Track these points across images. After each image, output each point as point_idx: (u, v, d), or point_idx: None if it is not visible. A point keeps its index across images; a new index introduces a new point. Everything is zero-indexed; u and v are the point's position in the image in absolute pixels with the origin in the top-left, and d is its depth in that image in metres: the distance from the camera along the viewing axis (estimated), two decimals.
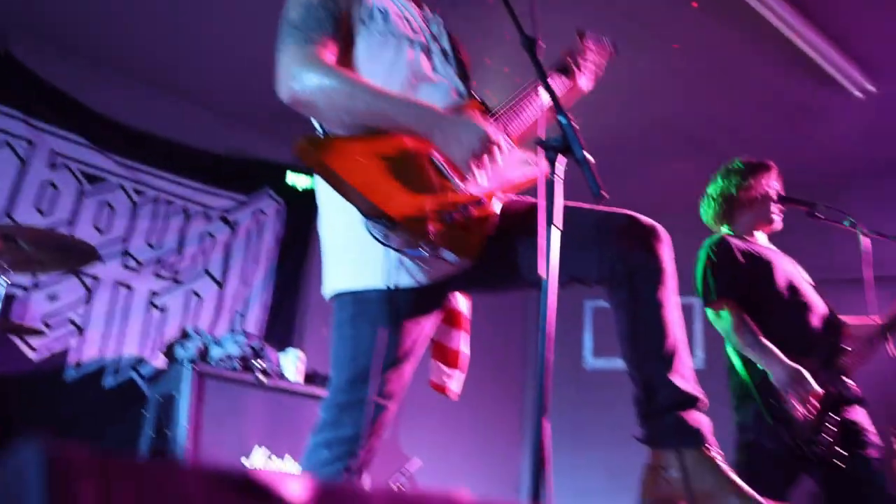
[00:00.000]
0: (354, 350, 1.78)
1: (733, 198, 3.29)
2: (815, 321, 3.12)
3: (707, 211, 3.40)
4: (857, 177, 5.12)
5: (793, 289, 3.15)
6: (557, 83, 2.00)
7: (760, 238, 3.36)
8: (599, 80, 2.17)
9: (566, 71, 2.00)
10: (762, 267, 3.17)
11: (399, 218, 1.62)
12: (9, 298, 4.04)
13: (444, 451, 5.46)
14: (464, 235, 1.71)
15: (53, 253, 3.07)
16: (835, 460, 2.86)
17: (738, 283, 3.10)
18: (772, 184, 3.30)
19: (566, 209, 1.77)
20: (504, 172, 1.82)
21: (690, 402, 1.76)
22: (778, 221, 3.33)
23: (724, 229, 3.34)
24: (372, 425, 1.76)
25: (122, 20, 4.42)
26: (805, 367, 2.89)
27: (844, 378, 3.01)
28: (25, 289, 4.29)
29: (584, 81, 2.05)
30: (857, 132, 5.03)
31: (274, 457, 3.66)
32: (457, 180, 1.74)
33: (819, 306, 3.17)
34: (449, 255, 1.70)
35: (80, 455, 0.43)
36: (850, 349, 3.05)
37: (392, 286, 1.72)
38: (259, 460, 3.62)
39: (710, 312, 3.17)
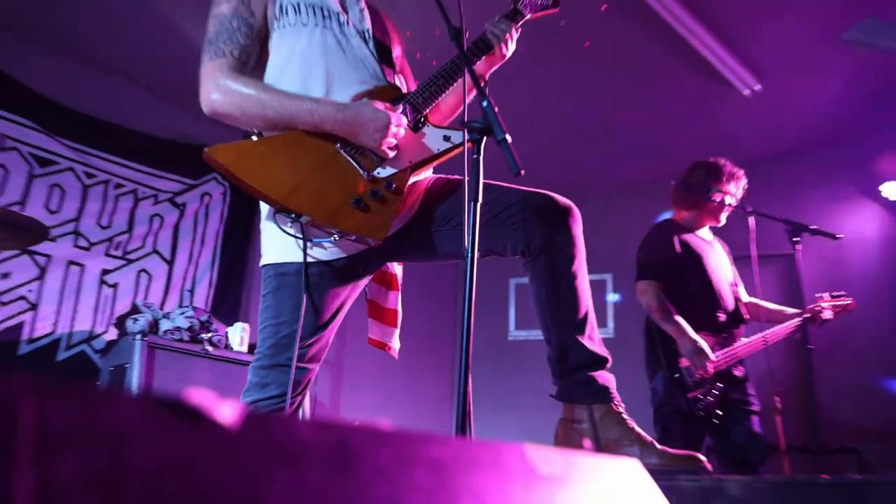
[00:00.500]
0: (276, 318, 1.79)
1: (698, 195, 3.44)
2: (721, 314, 3.38)
3: (676, 193, 3.56)
4: (744, 165, 5.38)
5: (708, 283, 3.38)
6: (480, 62, 1.95)
7: (703, 231, 3.56)
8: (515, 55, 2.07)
9: (489, 45, 1.92)
10: (692, 259, 3.40)
11: (303, 210, 1.65)
12: None
13: (381, 413, 5.47)
14: (374, 218, 1.71)
15: (5, 231, 2.95)
16: (713, 419, 3.20)
17: (665, 269, 3.34)
18: (734, 191, 3.48)
19: (488, 187, 1.79)
20: (419, 150, 1.82)
21: (599, 362, 1.82)
22: (723, 221, 3.54)
23: (672, 213, 3.57)
24: (295, 385, 1.78)
25: (72, 3, 4.26)
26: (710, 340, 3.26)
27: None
28: None
29: (507, 49, 1.99)
30: (745, 125, 5.21)
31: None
32: (362, 167, 1.74)
33: (728, 301, 3.42)
34: (357, 238, 1.72)
35: (19, 377, 0.42)
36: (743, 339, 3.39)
37: (308, 260, 1.74)
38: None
39: (638, 286, 3.39)
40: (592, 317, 1.85)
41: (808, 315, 3.38)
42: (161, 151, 5.05)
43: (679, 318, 3.21)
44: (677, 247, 3.37)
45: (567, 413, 1.86)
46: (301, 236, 1.70)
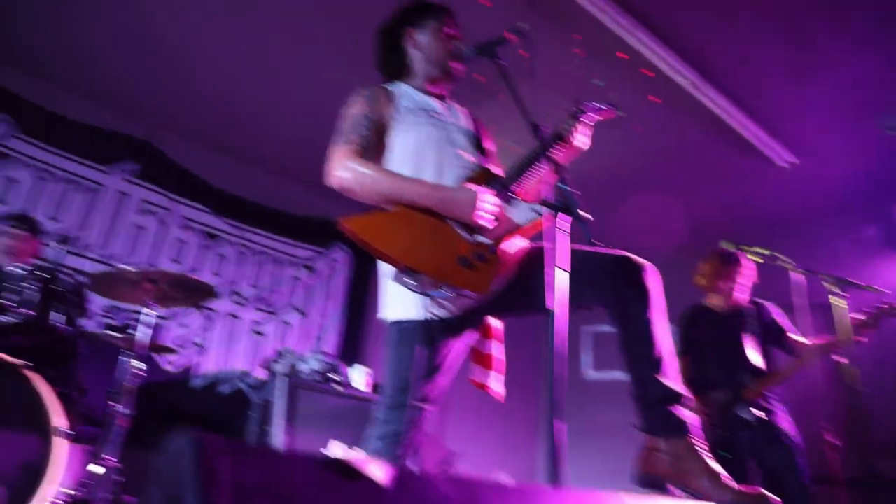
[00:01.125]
0: (398, 366, 1.78)
1: (713, 279, 3.48)
2: (741, 373, 3.28)
3: (700, 273, 3.56)
4: (781, 226, 5.13)
5: (724, 347, 3.35)
6: (557, 151, 1.94)
7: (721, 301, 3.49)
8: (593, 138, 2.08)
9: (562, 137, 1.93)
10: (713, 329, 3.42)
11: (421, 269, 1.66)
12: (154, 327, 4.11)
13: (476, 444, 5.37)
14: (478, 276, 1.70)
15: (184, 291, 3.10)
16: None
17: (689, 344, 3.43)
18: (743, 272, 3.45)
19: (578, 251, 1.77)
20: (511, 221, 1.81)
21: (676, 397, 1.71)
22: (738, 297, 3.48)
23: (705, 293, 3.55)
24: (412, 423, 1.76)
25: (236, 116, 4.55)
26: (718, 398, 3.25)
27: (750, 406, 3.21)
28: (164, 319, 4.36)
29: (581, 142, 2.01)
30: (781, 193, 4.97)
31: (346, 449, 3.63)
32: (466, 234, 1.75)
33: (748, 359, 3.29)
34: (467, 293, 1.70)
35: (219, 442, 0.43)
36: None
37: (424, 318, 1.73)
38: (336, 452, 3.59)
39: None
40: (670, 357, 1.76)
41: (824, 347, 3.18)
42: (298, 226, 5.23)
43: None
44: (697, 324, 3.46)
45: (649, 442, 1.76)
46: (419, 291, 1.69)
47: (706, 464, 1.63)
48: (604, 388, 5.69)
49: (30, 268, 2.59)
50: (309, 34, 3.66)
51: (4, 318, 2.43)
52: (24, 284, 2.51)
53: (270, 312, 4.92)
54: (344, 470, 0.46)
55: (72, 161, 4.29)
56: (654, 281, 1.78)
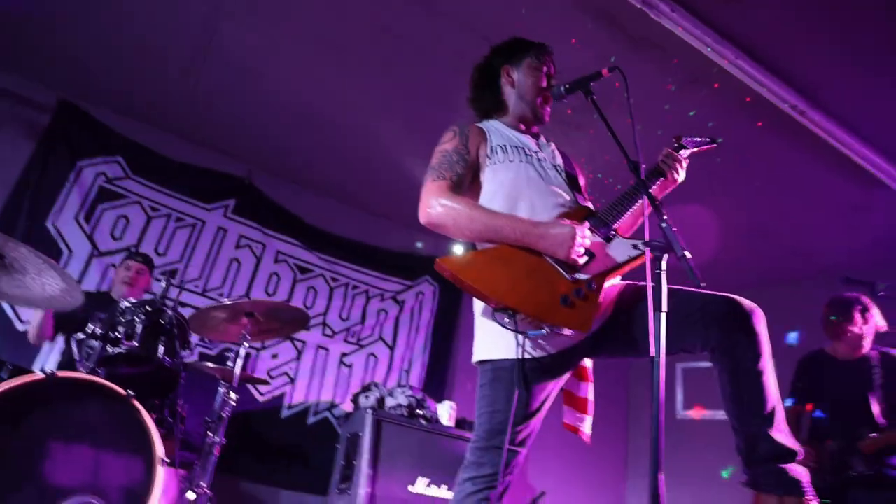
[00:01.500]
0: (492, 407, 1.72)
1: (837, 324, 3.33)
2: (860, 425, 3.11)
3: (824, 317, 3.43)
4: None
5: (844, 397, 3.21)
6: (655, 186, 1.92)
7: (843, 348, 3.33)
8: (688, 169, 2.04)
9: (662, 172, 1.91)
10: (834, 377, 3.27)
11: (521, 308, 1.60)
12: (246, 357, 4.27)
13: (563, 483, 5.18)
14: (578, 314, 1.63)
15: (280, 322, 3.20)
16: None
17: (803, 390, 3.32)
18: (869, 318, 3.29)
19: (680, 292, 1.69)
20: (611, 258, 1.75)
21: (791, 455, 1.59)
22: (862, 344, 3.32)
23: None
24: (506, 466, 1.69)
25: (327, 157, 4.72)
26: (832, 449, 3.09)
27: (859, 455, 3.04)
28: (257, 349, 4.52)
29: (679, 176, 1.95)
30: None
31: (432, 485, 3.59)
32: (565, 272, 1.68)
33: (868, 411, 3.13)
34: (566, 331, 1.64)
35: None
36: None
37: (521, 357, 1.67)
38: (421, 487, 3.55)
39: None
40: (781, 411, 1.63)
41: None
42: (386, 260, 5.31)
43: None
44: (814, 370, 3.35)
45: (758, 500, 1.63)
46: (517, 330, 1.64)
47: None
48: (694, 428, 5.38)
49: (141, 301, 2.76)
50: (399, 77, 3.76)
51: (116, 349, 2.58)
52: (135, 318, 2.67)
53: (358, 345, 4.99)
54: None
55: (177, 199, 4.58)
56: (763, 327, 1.67)
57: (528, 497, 4.02)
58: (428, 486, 3.57)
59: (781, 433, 1.60)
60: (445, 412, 3.95)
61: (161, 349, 2.68)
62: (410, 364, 5.16)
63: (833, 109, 3.57)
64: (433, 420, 3.84)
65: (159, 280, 3.05)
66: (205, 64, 3.90)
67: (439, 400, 4.22)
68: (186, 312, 3.32)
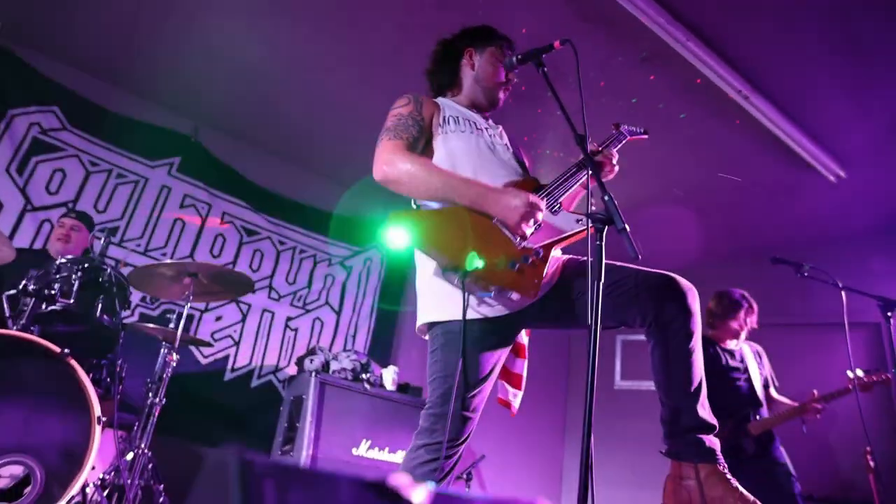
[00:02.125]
0: (444, 371, 1.74)
1: (720, 321, 3.60)
2: (737, 400, 3.44)
3: (710, 310, 3.67)
4: (827, 242, 4.98)
5: (734, 381, 3.47)
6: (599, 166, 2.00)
7: (727, 338, 3.62)
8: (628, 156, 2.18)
9: (600, 160, 2.00)
10: (724, 362, 3.52)
11: (470, 268, 1.63)
12: (189, 318, 4.20)
13: (502, 448, 5.34)
14: (524, 278, 1.68)
15: (224, 285, 3.15)
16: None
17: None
18: (747, 319, 3.58)
19: (619, 268, 1.75)
20: (556, 229, 1.80)
21: (710, 428, 1.70)
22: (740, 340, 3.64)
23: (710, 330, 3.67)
24: (461, 433, 1.73)
25: (277, 114, 4.61)
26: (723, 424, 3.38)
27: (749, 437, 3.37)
28: (200, 311, 4.44)
29: (616, 162, 2.05)
30: (830, 208, 4.83)
31: (375, 447, 3.65)
32: (515, 237, 1.72)
33: (755, 396, 3.46)
34: (513, 295, 1.68)
35: (264, 461, 0.43)
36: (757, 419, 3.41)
37: (470, 317, 1.70)
38: (363, 450, 3.61)
39: None
40: (704, 386, 1.73)
41: (800, 409, 3.38)
42: (335, 225, 5.27)
43: None
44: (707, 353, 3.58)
45: (675, 470, 1.73)
46: (467, 290, 1.67)
47: (736, 488, 1.62)
48: (632, 397, 5.62)
49: (78, 258, 2.67)
50: (350, 37, 3.69)
51: (50, 307, 2.50)
52: (72, 275, 2.58)
53: (304, 309, 4.97)
54: (387, 494, 0.46)
55: (118, 154, 4.40)
56: (697, 305, 1.76)
57: (468, 461, 4.13)
58: (370, 448, 3.63)
59: (704, 408, 1.70)
60: (389, 377, 3.99)
61: (99, 307, 2.61)
62: (356, 329, 5.17)
63: (774, 95, 3.71)
64: (377, 384, 3.88)
65: (99, 238, 2.95)
66: (145, 10, 3.72)
67: (384, 365, 4.26)
68: (126, 271, 3.24)
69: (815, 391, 3.45)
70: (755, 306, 3.60)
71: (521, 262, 1.68)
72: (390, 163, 1.75)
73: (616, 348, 6.19)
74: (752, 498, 1.61)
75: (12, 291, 2.55)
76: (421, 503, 0.48)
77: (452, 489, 1.65)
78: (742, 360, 3.60)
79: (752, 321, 3.59)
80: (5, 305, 2.60)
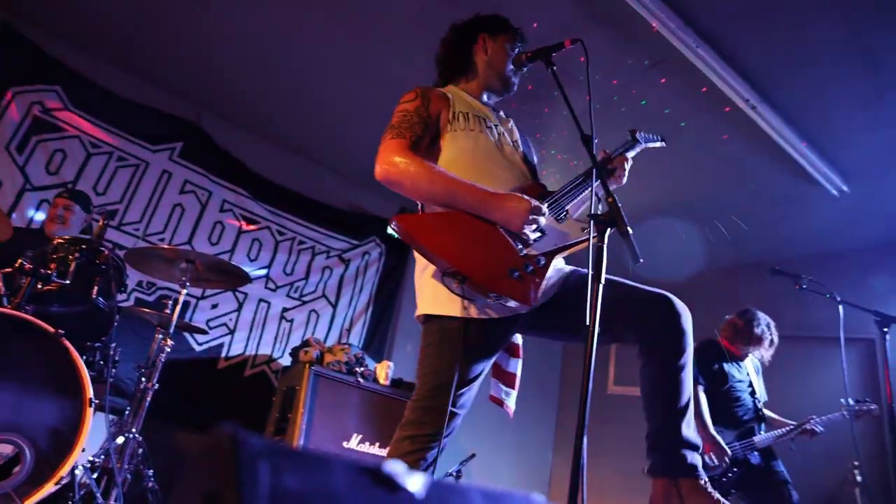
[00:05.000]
0: (437, 367, 1.74)
1: (740, 341, 3.62)
2: (744, 413, 3.53)
3: (727, 327, 3.73)
4: (832, 256, 4.97)
5: (730, 391, 3.53)
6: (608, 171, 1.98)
7: (735, 350, 3.68)
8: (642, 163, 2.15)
9: (610, 171, 1.98)
10: (730, 371, 3.59)
11: (469, 273, 1.62)
12: (185, 304, 4.19)
13: (493, 448, 5.34)
14: (523, 286, 1.66)
15: (220, 275, 3.14)
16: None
17: (706, 377, 3.54)
18: (763, 351, 3.64)
19: (617, 284, 1.74)
20: (562, 237, 1.79)
21: (693, 448, 1.70)
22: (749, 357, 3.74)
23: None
24: (446, 427, 1.73)
25: (283, 105, 4.60)
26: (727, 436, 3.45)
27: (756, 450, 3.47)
28: (197, 298, 4.44)
29: (623, 179, 2.02)
30: (831, 222, 4.83)
31: (366, 442, 3.65)
32: (517, 244, 1.71)
33: (748, 405, 3.56)
34: (511, 302, 1.67)
35: (259, 441, 0.43)
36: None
37: (468, 317, 1.70)
38: (354, 444, 3.60)
39: None
40: (692, 405, 1.73)
41: (797, 429, 3.46)
42: (335, 218, 5.27)
43: (706, 418, 3.39)
44: (715, 363, 3.57)
45: (656, 489, 1.72)
46: (464, 295, 1.67)
47: (718, 500, 1.63)
48: (624, 403, 5.62)
49: (77, 239, 2.66)
50: (359, 27, 3.68)
51: (46, 287, 2.49)
52: (69, 255, 2.57)
53: (301, 301, 4.96)
54: (381, 479, 0.45)
55: (120, 137, 4.39)
56: (690, 327, 1.75)
57: (459, 458, 4.13)
58: (361, 442, 3.62)
59: (689, 427, 1.70)
60: (383, 372, 3.99)
61: (95, 289, 2.60)
62: (352, 323, 5.17)
63: (781, 106, 3.70)
64: (371, 379, 3.88)
65: (97, 220, 2.94)
66: None
67: (379, 360, 4.26)
68: (123, 253, 3.23)
69: (814, 417, 3.50)
70: (776, 342, 3.62)
71: (522, 270, 1.67)
72: (392, 163, 1.73)
73: (610, 353, 6.20)
74: None
75: (8, 270, 2.54)
76: (417, 491, 0.48)
77: (447, 480, 1.65)
78: (747, 374, 3.65)
79: (767, 353, 3.63)
80: (0, 283, 2.59)
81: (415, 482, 0.47)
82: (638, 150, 2.09)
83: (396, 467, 0.48)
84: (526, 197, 1.73)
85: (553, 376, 6.49)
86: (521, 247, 1.71)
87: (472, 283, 1.63)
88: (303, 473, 0.44)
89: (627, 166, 2.01)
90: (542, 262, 1.72)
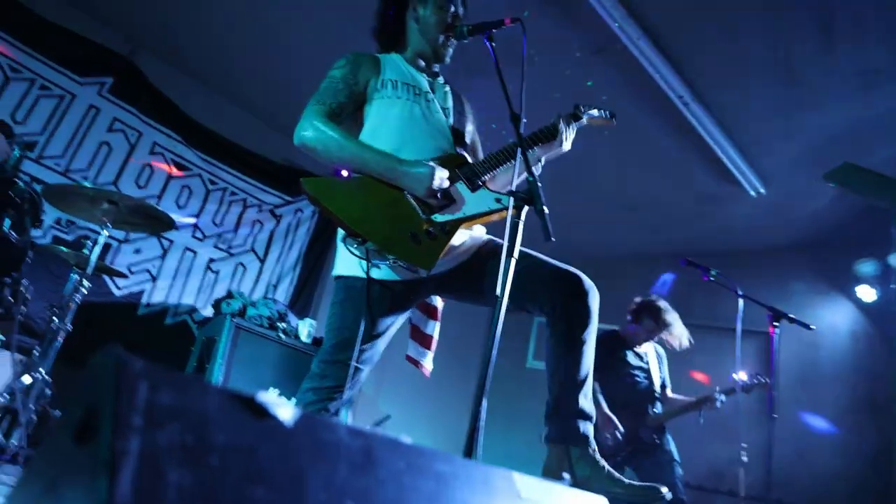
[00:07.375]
0: (341, 323, 1.82)
1: (640, 323, 3.84)
2: (639, 397, 3.75)
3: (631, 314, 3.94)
4: (741, 254, 5.29)
5: (626, 377, 3.76)
6: (539, 145, 1.97)
7: (637, 340, 3.90)
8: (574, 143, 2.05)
9: (554, 134, 1.95)
10: (629, 359, 3.81)
11: (368, 237, 1.69)
12: (106, 246, 4.07)
13: (409, 410, 5.47)
14: (424, 252, 1.73)
15: (144, 219, 3.07)
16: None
17: (604, 366, 3.61)
18: (661, 335, 3.86)
19: (530, 256, 1.82)
20: (473, 206, 1.83)
21: (588, 418, 1.81)
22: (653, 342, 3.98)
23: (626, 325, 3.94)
24: (349, 380, 1.80)
25: (221, 49, 4.47)
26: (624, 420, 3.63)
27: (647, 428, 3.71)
28: (119, 241, 4.32)
29: (569, 142, 2.00)
30: (747, 220, 5.13)
31: (283, 397, 3.68)
32: (423, 212, 1.78)
33: (644, 389, 3.78)
34: (410, 266, 1.74)
35: (139, 363, 0.47)
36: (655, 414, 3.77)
37: (369, 277, 1.77)
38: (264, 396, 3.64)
39: None
40: (591, 378, 1.85)
41: (698, 402, 3.76)
42: (270, 171, 5.18)
43: (600, 397, 3.61)
44: (609, 351, 3.74)
45: (551, 453, 1.85)
46: (363, 257, 1.73)
47: (603, 468, 1.77)
48: (543, 378, 5.85)
49: None
50: None
51: None
52: None
53: (228, 252, 4.90)
54: (253, 406, 0.51)
55: (44, 65, 4.16)
56: (596, 305, 1.86)
57: (374, 420, 4.23)
58: (278, 397, 3.66)
59: (586, 398, 1.82)
60: (305, 329, 4.01)
61: (7, 222, 2.52)
62: (279, 279, 5.15)
63: (710, 104, 3.88)
64: (292, 335, 3.90)
65: (12, 150, 2.82)
66: None
67: (303, 318, 4.27)
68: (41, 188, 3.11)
69: (718, 387, 3.78)
70: (674, 329, 3.82)
71: (423, 235, 1.74)
72: (307, 128, 1.80)
73: (532, 329, 6.40)
74: (618, 476, 1.75)
75: None
76: (286, 419, 0.54)
77: (319, 414, 1.71)
78: (646, 361, 3.90)
79: (666, 336, 3.85)
80: None
81: (285, 412, 0.53)
82: (581, 123, 2.04)
83: (270, 397, 0.54)
84: (432, 164, 1.79)
85: (475, 345, 6.64)
86: (426, 213, 1.77)
87: (371, 246, 1.70)
88: (179, 393, 0.49)
89: (567, 138, 1.99)
90: (447, 229, 1.78)
